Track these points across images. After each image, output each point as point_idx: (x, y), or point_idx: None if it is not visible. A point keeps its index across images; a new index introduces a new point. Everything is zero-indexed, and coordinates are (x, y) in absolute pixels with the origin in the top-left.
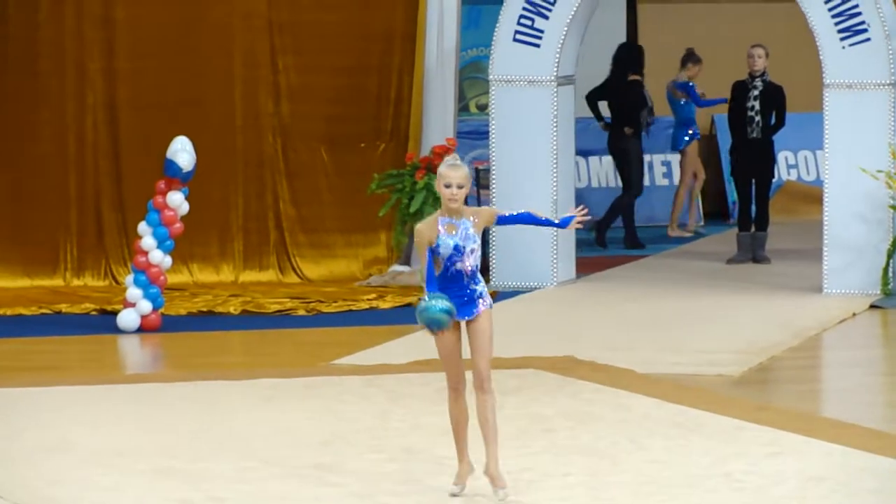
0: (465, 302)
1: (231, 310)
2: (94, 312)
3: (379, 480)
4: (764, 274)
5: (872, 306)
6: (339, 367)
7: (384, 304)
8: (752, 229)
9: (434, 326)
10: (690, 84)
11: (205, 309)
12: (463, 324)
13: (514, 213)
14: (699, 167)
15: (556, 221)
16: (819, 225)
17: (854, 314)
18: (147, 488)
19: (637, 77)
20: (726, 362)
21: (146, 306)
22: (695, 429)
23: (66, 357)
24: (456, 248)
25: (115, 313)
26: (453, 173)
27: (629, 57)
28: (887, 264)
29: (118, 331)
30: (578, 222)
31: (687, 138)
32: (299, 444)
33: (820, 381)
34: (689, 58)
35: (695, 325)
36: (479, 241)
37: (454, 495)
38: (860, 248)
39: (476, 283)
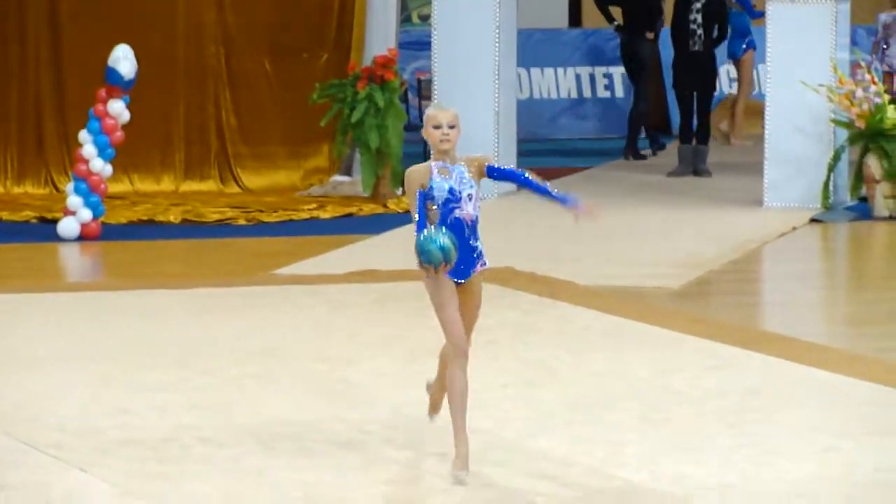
0: (462, 259)
1: (171, 219)
2: (34, 220)
3: (321, 386)
4: (704, 187)
5: (812, 220)
6: (279, 276)
7: (325, 214)
8: (694, 142)
9: (423, 257)
10: None
11: (145, 218)
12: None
13: (509, 169)
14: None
15: (557, 195)
16: (760, 139)
17: (794, 228)
18: (88, 396)
19: None
20: (666, 275)
21: (87, 214)
22: (635, 341)
23: (5, 265)
24: (451, 191)
25: (55, 221)
26: (441, 113)
27: None
28: (828, 178)
29: (59, 239)
30: (586, 216)
31: (745, 47)
32: (239, 353)
33: (759, 294)
34: None
35: (635, 237)
36: (476, 188)
37: (461, 483)
38: (801, 161)
39: (476, 240)
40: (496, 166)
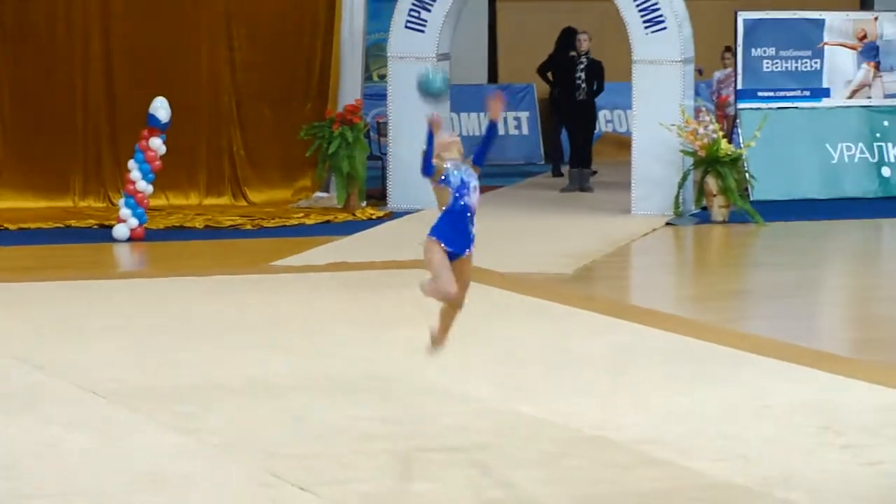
0: (463, 239)
1: (196, 225)
2: (95, 226)
3: (308, 348)
4: (588, 200)
5: (667, 224)
6: (275, 267)
7: (309, 221)
8: (580, 167)
9: (423, 88)
10: None
11: (177, 224)
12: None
13: (479, 148)
14: None
15: (489, 128)
16: (629, 164)
17: (654, 229)
18: (136, 358)
19: (574, 53)
20: (560, 264)
21: (134, 222)
22: (539, 314)
23: (74, 259)
24: (462, 180)
25: (111, 227)
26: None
27: (569, 39)
28: (678, 193)
29: (113, 240)
30: (493, 107)
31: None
32: (247, 323)
33: (629, 278)
34: None
35: (537, 236)
36: (477, 181)
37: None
38: (658, 181)
39: (473, 226)
40: (476, 156)
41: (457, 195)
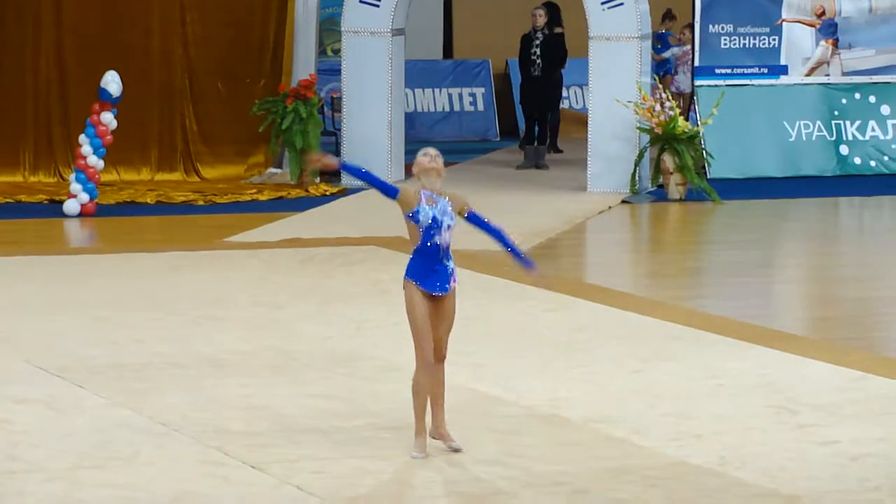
0: (438, 277)
1: (148, 200)
2: (45, 201)
3: (260, 324)
4: (543, 177)
5: (623, 201)
6: (228, 243)
7: (262, 197)
8: (535, 143)
9: None
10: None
11: (128, 199)
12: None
13: (487, 221)
14: None
15: (521, 256)
16: (585, 141)
17: (610, 207)
18: (85, 333)
19: (561, 29)
20: (516, 242)
21: (85, 197)
22: (494, 292)
23: (23, 235)
24: (434, 219)
25: (61, 202)
26: (425, 158)
27: (555, 14)
28: (634, 171)
29: (64, 215)
30: (537, 278)
31: (662, 73)
32: (198, 299)
33: (585, 255)
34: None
35: (491, 213)
36: (455, 222)
37: (418, 457)
38: (614, 158)
39: (449, 260)
40: (477, 214)
41: (425, 235)
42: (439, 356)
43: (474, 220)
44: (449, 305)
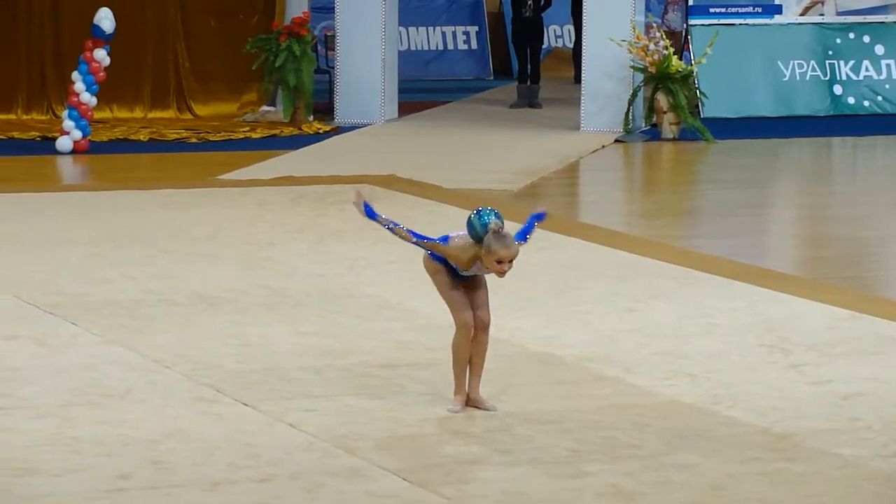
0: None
1: (141, 137)
2: (38, 138)
3: (252, 262)
4: (537, 116)
5: (617, 140)
6: (221, 181)
7: (255, 135)
8: (528, 82)
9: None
10: None
11: (121, 137)
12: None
13: (525, 231)
14: None
15: (536, 217)
16: (570, 80)
17: (603, 146)
18: (78, 270)
19: None
20: (508, 181)
21: (78, 134)
22: None
23: (17, 172)
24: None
25: (54, 139)
26: (506, 252)
27: None
28: (628, 110)
29: (56, 152)
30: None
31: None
32: (191, 237)
33: (578, 195)
34: None
35: (485, 152)
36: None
37: (454, 412)
38: (608, 97)
39: None
40: (526, 238)
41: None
42: (482, 325)
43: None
44: (484, 282)
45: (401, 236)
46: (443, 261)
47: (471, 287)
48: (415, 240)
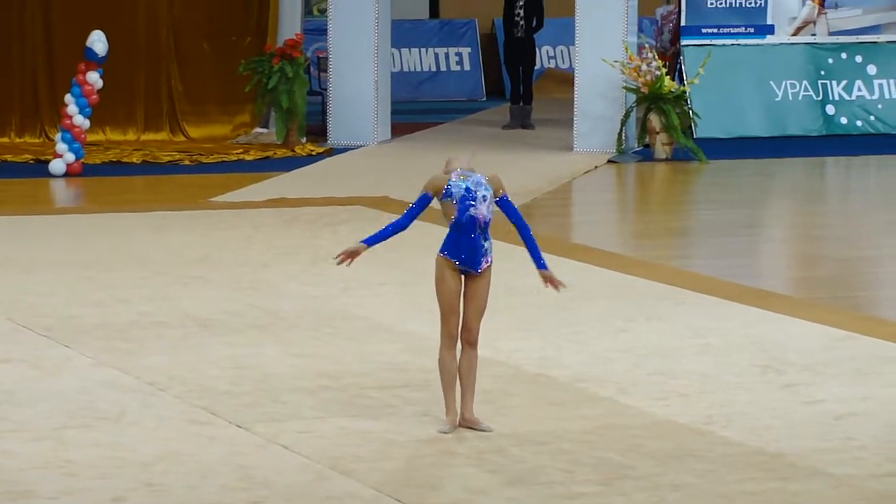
0: (473, 253)
1: (134, 160)
2: (31, 161)
3: (246, 284)
4: (529, 136)
5: (609, 161)
6: (214, 203)
7: (248, 157)
8: (521, 103)
9: None
10: None
11: (115, 159)
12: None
13: (516, 210)
14: None
15: (539, 255)
16: (571, 101)
17: (596, 167)
18: (71, 292)
19: None
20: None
21: (71, 157)
22: None
23: (10, 195)
24: (467, 189)
25: (47, 162)
26: (457, 162)
27: None
28: (620, 130)
29: (49, 175)
30: (550, 283)
31: None
32: (184, 259)
33: (570, 215)
34: None
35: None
36: (491, 197)
37: (444, 433)
38: (601, 118)
39: (486, 240)
40: (509, 201)
41: (460, 208)
42: (469, 339)
43: (505, 206)
44: (481, 285)
45: (402, 227)
46: (445, 248)
47: (468, 292)
48: (410, 214)
